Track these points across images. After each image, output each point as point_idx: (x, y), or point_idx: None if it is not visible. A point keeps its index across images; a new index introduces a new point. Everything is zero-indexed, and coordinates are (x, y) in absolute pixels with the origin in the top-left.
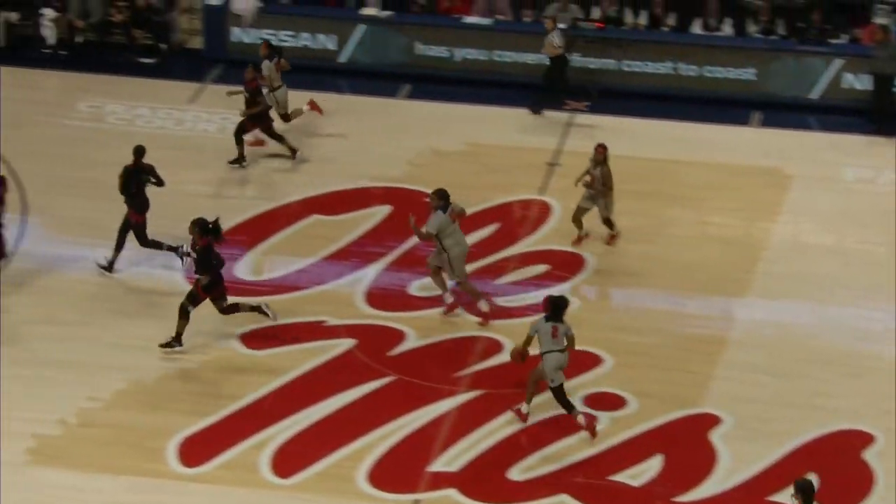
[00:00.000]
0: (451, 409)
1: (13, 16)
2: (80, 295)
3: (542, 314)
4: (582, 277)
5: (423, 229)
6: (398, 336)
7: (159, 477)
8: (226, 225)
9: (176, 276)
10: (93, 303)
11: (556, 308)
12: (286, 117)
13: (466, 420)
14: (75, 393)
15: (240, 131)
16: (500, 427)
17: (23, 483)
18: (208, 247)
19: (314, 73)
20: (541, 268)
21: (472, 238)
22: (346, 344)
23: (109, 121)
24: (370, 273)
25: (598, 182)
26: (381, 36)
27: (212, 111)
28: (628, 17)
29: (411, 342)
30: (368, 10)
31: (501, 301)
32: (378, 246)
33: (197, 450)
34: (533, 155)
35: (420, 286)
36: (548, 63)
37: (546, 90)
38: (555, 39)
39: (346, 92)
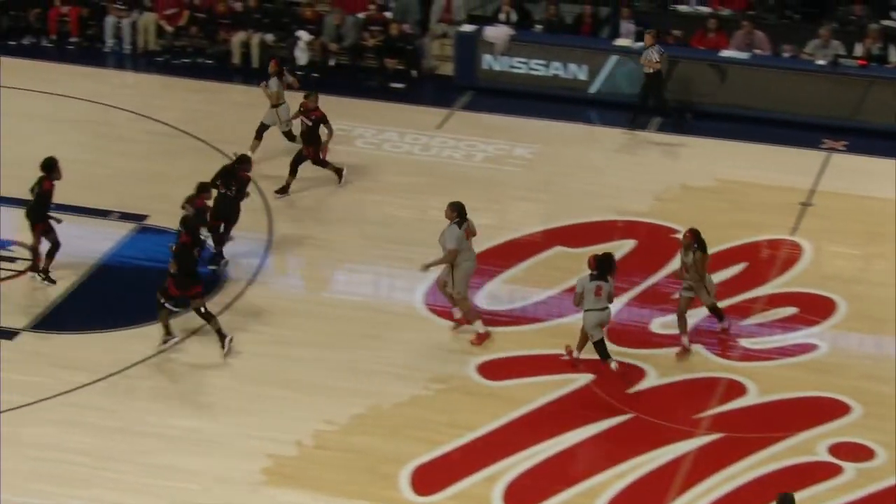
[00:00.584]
0: (690, 450)
1: (269, 37)
2: (322, 318)
3: (589, 273)
4: (832, 322)
5: (446, 246)
6: (638, 373)
7: (391, 503)
8: None
9: (415, 300)
10: (333, 325)
11: (603, 266)
12: (289, 135)
13: (705, 463)
14: (313, 415)
15: (297, 161)
16: (741, 472)
17: (257, 502)
18: (189, 245)
19: (564, 102)
20: (789, 310)
21: (718, 277)
22: (584, 379)
23: (357, 144)
24: (612, 308)
25: (693, 270)
26: (634, 67)
27: (459, 138)
28: (892, 56)
29: (651, 380)
30: (622, 41)
31: (746, 343)
32: (621, 281)
33: (430, 478)
34: (785, 194)
35: (662, 323)
36: (644, 79)
37: (642, 107)
38: (654, 55)
39: (595, 123)
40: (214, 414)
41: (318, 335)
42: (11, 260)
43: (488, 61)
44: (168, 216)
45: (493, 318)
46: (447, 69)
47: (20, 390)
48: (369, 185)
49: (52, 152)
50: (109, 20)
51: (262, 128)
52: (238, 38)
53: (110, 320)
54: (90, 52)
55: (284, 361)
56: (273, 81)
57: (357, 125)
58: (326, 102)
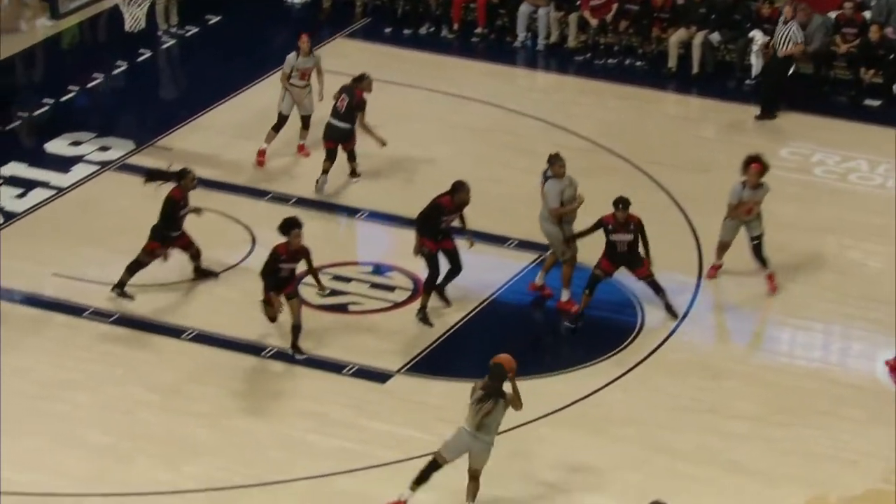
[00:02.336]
0: None
1: (715, 37)
2: (762, 385)
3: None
4: None
5: (548, 204)
6: None
7: None
8: None
9: (878, 371)
10: (775, 395)
11: None
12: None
13: None
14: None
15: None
16: None
17: None
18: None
19: None
20: None
21: None
22: None
23: (816, 172)
24: None
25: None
26: None
27: None
28: None
29: None
30: None
31: None
32: None
33: None
34: None
35: None
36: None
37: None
38: (797, 34)
39: None
40: (627, 495)
41: (755, 405)
42: (390, 289)
43: None
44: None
45: None
46: None
47: (389, 443)
48: (830, 224)
49: (447, 164)
50: (523, 9)
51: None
52: (677, 36)
53: None
54: (498, 47)
55: (712, 434)
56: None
57: (818, 149)
58: (786, 122)
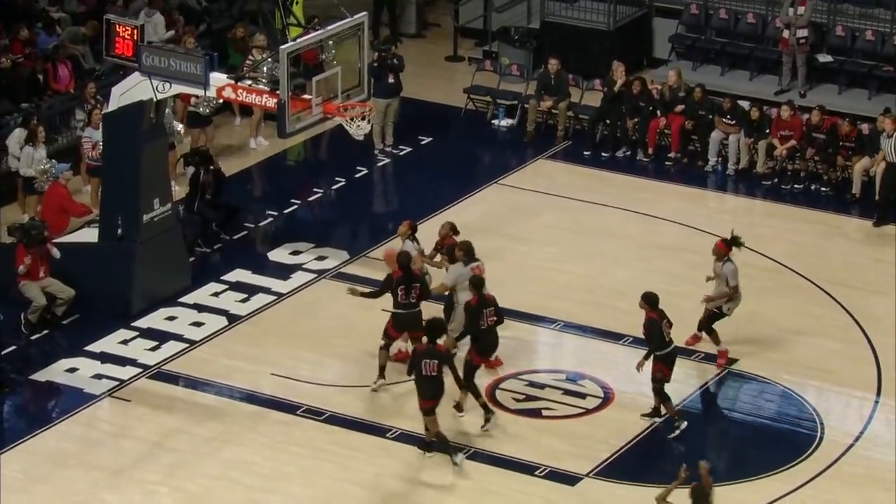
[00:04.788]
0: None
1: None
2: None
3: None
4: None
5: (442, 282)
6: None
7: None
8: None
9: None
10: None
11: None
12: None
13: None
14: None
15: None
16: None
17: None
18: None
19: None
20: None
21: None
22: None
23: None
24: None
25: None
26: None
27: None
28: None
29: None
30: None
31: None
32: None
33: None
34: None
35: None
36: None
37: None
38: None
39: None
40: None
41: None
42: (581, 396)
43: None
44: (757, 360)
45: None
46: None
47: None
48: None
49: (640, 280)
50: (714, 136)
51: None
52: (861, 164)
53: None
54: (689, 171)
55: None
56: (408, 245)
57: None
58: None
